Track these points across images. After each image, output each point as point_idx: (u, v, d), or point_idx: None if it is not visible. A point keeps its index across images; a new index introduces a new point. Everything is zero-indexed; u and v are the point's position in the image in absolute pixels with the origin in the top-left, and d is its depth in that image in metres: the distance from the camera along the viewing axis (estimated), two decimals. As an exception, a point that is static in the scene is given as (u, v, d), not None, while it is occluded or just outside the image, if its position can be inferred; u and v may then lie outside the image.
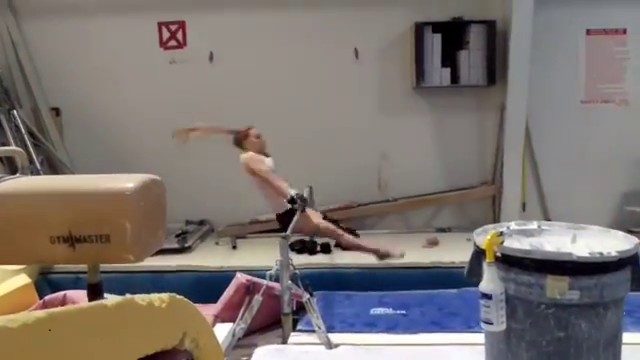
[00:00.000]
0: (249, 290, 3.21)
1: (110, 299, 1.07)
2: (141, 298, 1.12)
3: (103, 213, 1.32)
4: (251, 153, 4.43)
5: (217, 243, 4.96)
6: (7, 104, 4.89)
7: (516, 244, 2.10)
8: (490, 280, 1.99)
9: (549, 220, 5.17)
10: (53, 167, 5.28)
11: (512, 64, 4.86)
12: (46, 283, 4.09)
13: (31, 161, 4.72)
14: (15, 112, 4.85)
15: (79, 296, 2.98)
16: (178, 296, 1.20)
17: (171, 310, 1.16)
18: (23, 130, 4.82)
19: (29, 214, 1.34)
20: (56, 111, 5.43)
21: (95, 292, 1.41)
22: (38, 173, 4.72)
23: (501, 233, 2.06)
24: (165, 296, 1.17)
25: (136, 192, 1.33)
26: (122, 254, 1.34)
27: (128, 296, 1.10)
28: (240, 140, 4.55)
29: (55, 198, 1.35)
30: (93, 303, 1.04)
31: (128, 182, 1.35)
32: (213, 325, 3.02)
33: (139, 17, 5.22)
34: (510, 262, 2.00)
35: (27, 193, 1.36)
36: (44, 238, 1.34)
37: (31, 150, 4.78)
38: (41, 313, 0.89)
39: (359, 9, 5.15)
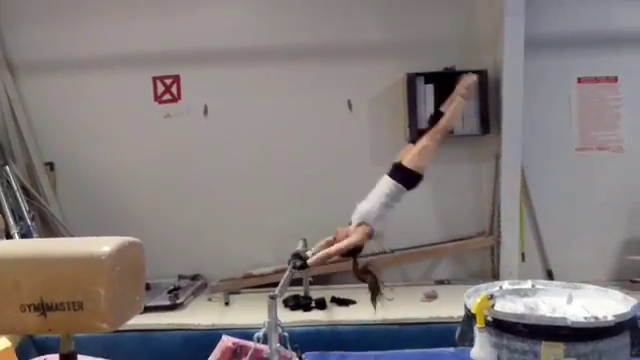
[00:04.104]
0: (236, 354, 3.06)
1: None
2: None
3: (75, 279, 1.26)
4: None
5: (210, 299, 4.82)
6: (1, 160, 4.87)
7: (509, 305, 2.01)
8: (482, 347, 1.89)
9: (550, 270, 5.11)
10: (45, 223, 5.22)
11: (505, 113, 4.87)
12: (32, 343, 3.94)
13: (22, 218, 4.66)
14: (8, 168, 4.82)
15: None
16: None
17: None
18: (15, 186, 4.78)
19: (-2, 281, 1.28)
20: (50, 166, 5.39)
21: (68, 364, 1.34)
22: (29, 230, 4.66)
23: (491, 296, 1.97)
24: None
25: (111, 257, 1.27)
26: (96, 322, 1.27)
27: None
28: None
29: (25, 264, 1.29)
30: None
31: (103, 246, 1.29)
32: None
33: (134, 72, 5.26)
34: (502, 327, 1.90)
35: (-4, 259, 1.30)
36: (14, 307, 1.27)
37: (23, 206, 4.73)
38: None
39: (352, 61, 5.19)
